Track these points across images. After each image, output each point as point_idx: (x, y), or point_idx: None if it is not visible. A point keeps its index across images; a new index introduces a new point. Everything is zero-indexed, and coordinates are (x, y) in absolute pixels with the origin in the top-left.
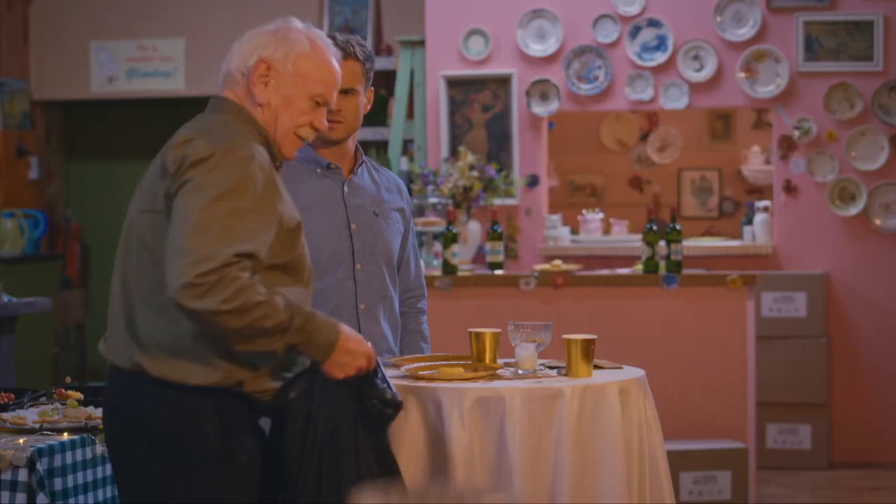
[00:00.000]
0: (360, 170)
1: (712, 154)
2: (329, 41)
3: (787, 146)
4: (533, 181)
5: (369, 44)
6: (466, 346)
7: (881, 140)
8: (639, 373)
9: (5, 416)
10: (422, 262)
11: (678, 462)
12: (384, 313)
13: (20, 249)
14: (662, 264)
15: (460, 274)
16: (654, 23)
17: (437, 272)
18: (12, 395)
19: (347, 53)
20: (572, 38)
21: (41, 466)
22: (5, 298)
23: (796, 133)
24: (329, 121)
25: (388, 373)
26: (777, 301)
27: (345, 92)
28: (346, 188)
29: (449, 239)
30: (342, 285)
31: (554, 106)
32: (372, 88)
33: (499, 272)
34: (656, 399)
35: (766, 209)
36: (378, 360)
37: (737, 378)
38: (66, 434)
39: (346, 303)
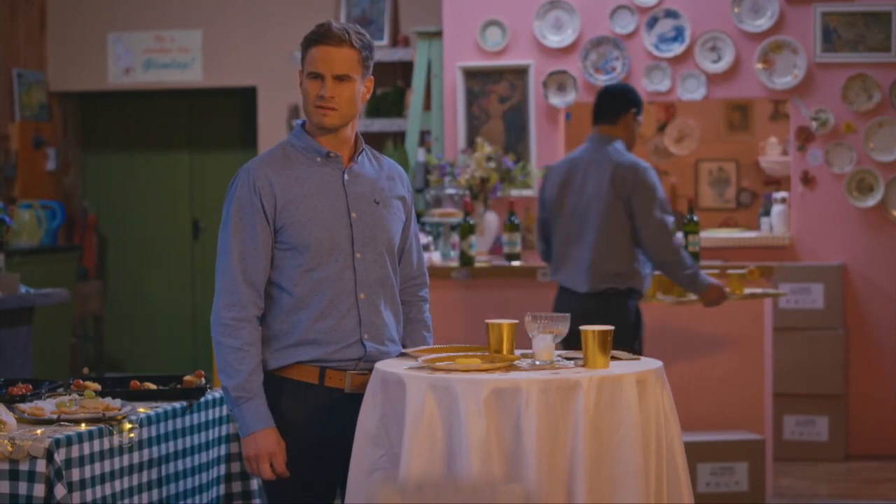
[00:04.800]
0: (360, 158)
1: (730, 145)
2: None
3: (805, 137)
4: None
5: (386, 35)
6: (483, 337)
7: None
8: (656, 364)
9: (23, 406)
10: (425, 253)
11: (695, 453)
12: (385, 302)
13: (38, 241)
14: None
15: (477, 265)
16: (671, 14)
17: (455, 263)
18: (30, 386)
19: (342, 40)
20: (589, 29)
21: (59, 457)
22: (23, 289)
23: (814, 124)
24: (322, 107)
25: (405, 363)
26: (794, 292)
27: (339, 78)
28: (346, 177)
29: (466, 230)
30: (341, 275)
31: (571, 97)
32: (371, 78)
33: (516, 263)
34: (673, 390)
35: (783, 200)
36: None
37: (754, 369)
38: (83, 425)
39: (345, 292)
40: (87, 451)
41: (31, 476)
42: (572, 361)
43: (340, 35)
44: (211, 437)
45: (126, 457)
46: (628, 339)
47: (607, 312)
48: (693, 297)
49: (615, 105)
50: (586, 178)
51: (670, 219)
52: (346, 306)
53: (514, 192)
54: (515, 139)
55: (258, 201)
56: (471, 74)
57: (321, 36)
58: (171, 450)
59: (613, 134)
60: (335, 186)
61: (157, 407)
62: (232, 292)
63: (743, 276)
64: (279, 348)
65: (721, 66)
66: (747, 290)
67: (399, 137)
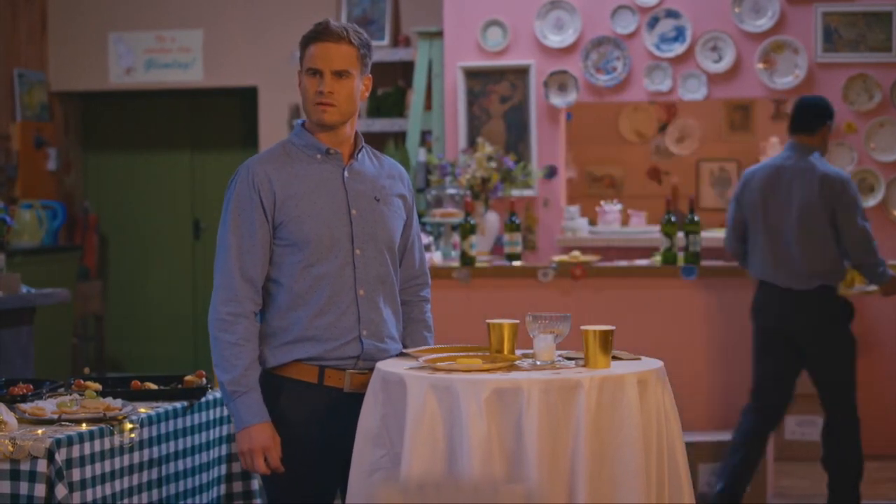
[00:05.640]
0: (360, 155)
1: (731, 145)
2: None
3: None
4: (551, 172)
5: (387, 35)
6: (484, 338)
7: None
8: (657, 364)
9: (24, 406)
10: (426, 253)
11: (696, 453)
12: (385, 299)
13: (39, 241)
14: (681, 255)
15: (478, 265)
16: (672, 13)
17: (456, 263)
18: (31, 386)
19: (340, 37)
20: (590, 29)
21: (60, 457)
22: (24, 289)
23: None
24: (322, 103)
25: (406, 363)
26: None
27: (338, 74)
28: (346, 174)
29: (467, 230)
30: (341, 271)
31: (572, 97)
32: (370, 76)
33: (517, 263)
34: (674, 390)
35: None
36: None
37: None
38: (84, 425)
39: (345, 289)
40: (87, 451)
41: (32, 476)
42: (573, 361)
43: (339, 32)
44: (212, 437)
45: (127, 457)
46: (846, 328)
47: (822, 307)
48: (869, 287)
49: (815, 117)
50: (792, 185)
51: (869, 224)
52: (345, 303)
53: (515, 192)
54: (516, 139)
55: (257, 198)
56: (472, 74)
57: (319, 33)
58: (172, 450)
59: (811, 143)
60: (335, 183)
61: (157, 407)
62: (229, 288)
63: None
64: (277, 345)
65: (722, 66)
66: None
67: (400, 137)
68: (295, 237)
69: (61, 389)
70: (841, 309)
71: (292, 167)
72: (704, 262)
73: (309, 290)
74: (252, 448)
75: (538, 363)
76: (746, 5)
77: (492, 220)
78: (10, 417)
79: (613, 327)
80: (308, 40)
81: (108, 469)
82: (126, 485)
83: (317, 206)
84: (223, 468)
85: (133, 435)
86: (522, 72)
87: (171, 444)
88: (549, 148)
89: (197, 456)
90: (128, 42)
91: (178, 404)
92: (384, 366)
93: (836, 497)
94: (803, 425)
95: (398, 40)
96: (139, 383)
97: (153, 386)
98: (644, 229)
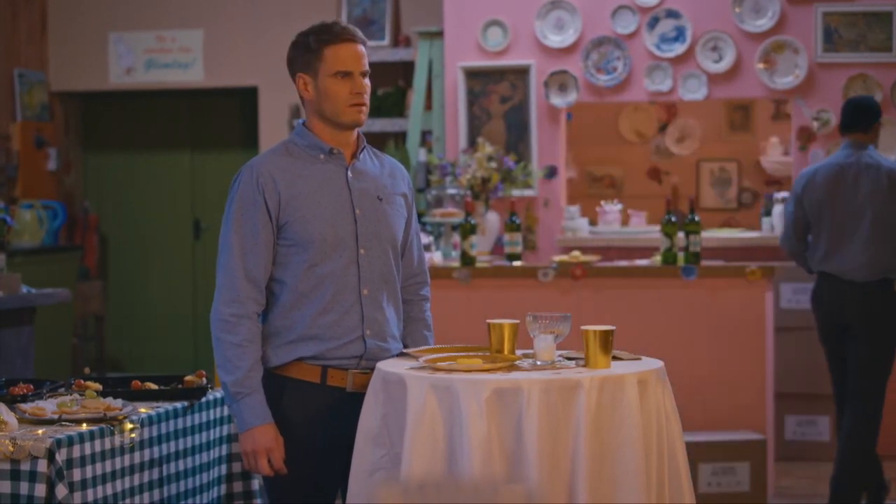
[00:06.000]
0: (362, 155)
1: (731, 145)
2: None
3: (806, 137)
4: (551, 172)
5: (387, 35)
6: (485, 338)
7: None
8: (657, 364)
9: (24, 406)
10: (426, 253)
11: (697, 453)
12: (387, 298)
13: (39, 241)
14: (681, 256)
15: (479, 265)
16: (672, 14)
17: (456, 263)
18: (31, 386)
19: (358, 38)
20: (591, 29)
21: (60, 457)
22: (24, 290)
23: (815, 124)
24: (359, 104)
25: (406, 363)
26: (796, 292)
27: (363, 74)
28: (349, 173)
29: (467, 230)
30: (346, 270)
31: (572, 97)
32: None
33: (517, 263)
34: (675, 390)
35: (784, 200)
36: None
37: (755, 369)
38: (84, 425)
39: (349, 288)
40: (88, 451)
41: (33, 476)
42: (573, 361)
43: (355, 32)
44: (212, 437)
45: (127, 457)
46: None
47: (881, 298)
48: None
49: (868, 115)
50: (858, 180)
51: None
52: (349, 302)
53: (516, 192)
54: (516, 139)
55: (261, 198)
56: (472, 74)
57: (338, 34)
58: (172, 450)
59: (866, 140)
60: (339, 183)
61: (158, 407)
62: (231, 289)
63: None
64: (280, 344)
65: (722, 66)
66: None
67: (400, 137)
68: (299, 237)
69: (62, 389)
70: (893, 303)
71: (296, 167)
72: (704, 262)
73: (313, 290)
74: (255, 449)
75: (538, 363)
76: (747, 5)
77: (492, 220)
78: (11, 417)
79: (613, 327)
80: (327, 41)
81: (108, 469)
82: (126, 485)
83: (321, 205)
84: (223, 468)
85: (133, 435)
86: (523, 72)
87: (172, 444)
88: (549, 148)
89: (197, 456)
90: (128, 42)
91: (178, 404)
92: (384, 366)
93: (837, 498)
94: (803, 425)
95: (398, 40)
96: (139, 383)
97: (153, 386)
98: (644, 229)
